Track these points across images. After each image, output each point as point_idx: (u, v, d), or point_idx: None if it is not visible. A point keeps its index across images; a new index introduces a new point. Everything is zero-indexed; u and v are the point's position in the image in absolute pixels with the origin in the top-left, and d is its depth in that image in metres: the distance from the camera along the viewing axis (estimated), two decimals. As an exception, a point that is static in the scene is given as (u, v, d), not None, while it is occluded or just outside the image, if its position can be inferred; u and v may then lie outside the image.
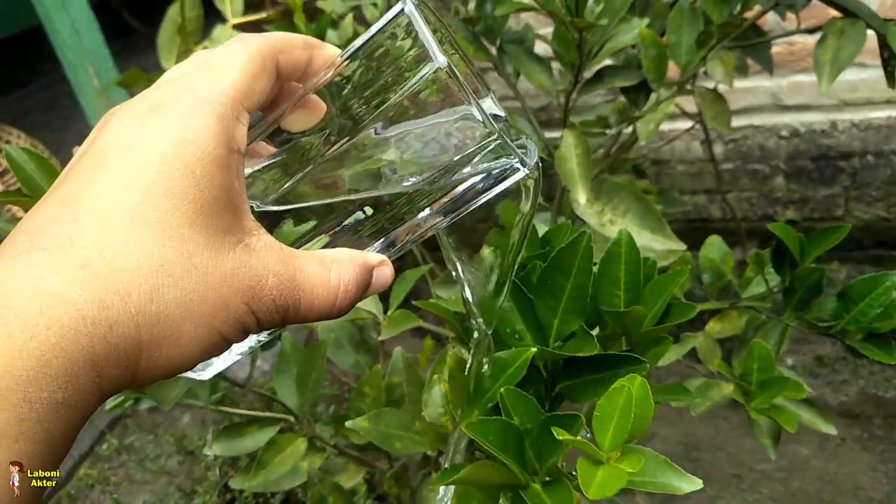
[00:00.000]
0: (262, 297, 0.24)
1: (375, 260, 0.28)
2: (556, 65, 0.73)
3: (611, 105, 0.82)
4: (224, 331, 0.23)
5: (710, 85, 0.87)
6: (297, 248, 0.27)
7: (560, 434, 0.30)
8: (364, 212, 0.29)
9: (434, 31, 0.25)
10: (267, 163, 0.29)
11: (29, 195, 0.41)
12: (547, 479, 0.34)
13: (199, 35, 0.89)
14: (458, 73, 0.24)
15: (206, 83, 0.24)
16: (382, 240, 0.30)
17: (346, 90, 0.27)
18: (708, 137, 1.34)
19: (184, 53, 0.89)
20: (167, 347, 0.22)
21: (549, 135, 0.78)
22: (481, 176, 0.28)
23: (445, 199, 0.29)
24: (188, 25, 0.86)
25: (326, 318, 0.26)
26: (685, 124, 1.39)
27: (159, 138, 0.22)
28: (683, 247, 0.65)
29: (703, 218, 1.61)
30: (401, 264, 0.35)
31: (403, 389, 0.58)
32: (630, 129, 0.80)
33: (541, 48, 0.82)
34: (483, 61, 0.73)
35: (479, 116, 0.25)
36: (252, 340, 0.32)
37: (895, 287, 0.56)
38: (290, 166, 0.28)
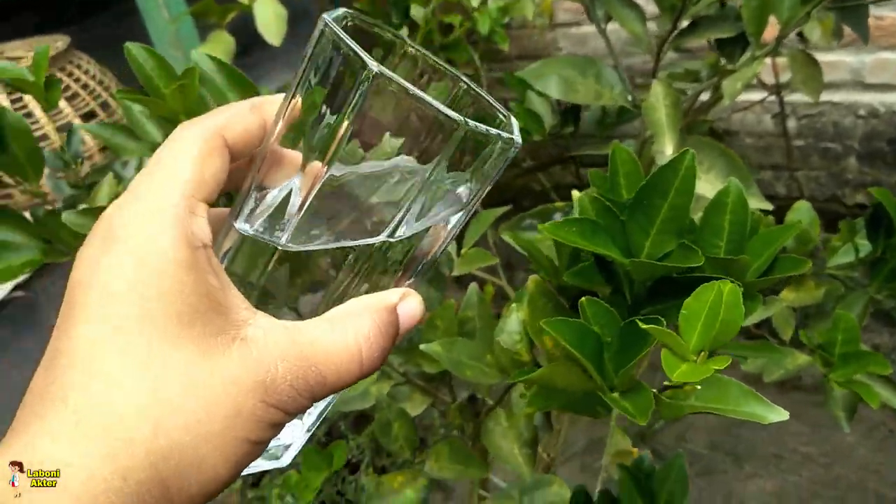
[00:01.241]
0: (277, 388, 0.22)
1: (396, 297, 0.25)
2: (649, 13, 0.70)
3: (699, 61, 0.80)
4: (249, 436, 0.22)
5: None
6: (328, 300, 0.26)
7: (647, 322, 0.29)
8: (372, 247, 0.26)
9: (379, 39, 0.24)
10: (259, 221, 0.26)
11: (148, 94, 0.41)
12: (625, 390, 0.33)
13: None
14: (395, 76, 0.22)
15: (151, 190, 0.23)
16: (398, 275, 0.27)
17: (306, 132, 0.25)
18: (783, 111, 1.30)
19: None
20: (194, 476, 0.21)
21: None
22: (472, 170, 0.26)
23: (448, 209, 0.26)
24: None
25: (360, 379, 0.24)
26: (759, 96, 1.34)
27: (119, 265, 0.21)
28: (769, 206, 0.63)
29: (770, 195, 1.56)
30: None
31: (475, 324, 0.58)
32: (708, 93, 0.77)
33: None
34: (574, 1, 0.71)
35: (449, 114, 0.23)
36: (312, 414, 0.31)
37: None
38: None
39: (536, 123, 0.82)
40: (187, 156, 0.24)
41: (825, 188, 1.54)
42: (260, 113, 0.26)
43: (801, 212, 0.63)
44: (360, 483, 1.17)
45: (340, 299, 0.26)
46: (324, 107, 0.24)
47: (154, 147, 0.56)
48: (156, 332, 0.21)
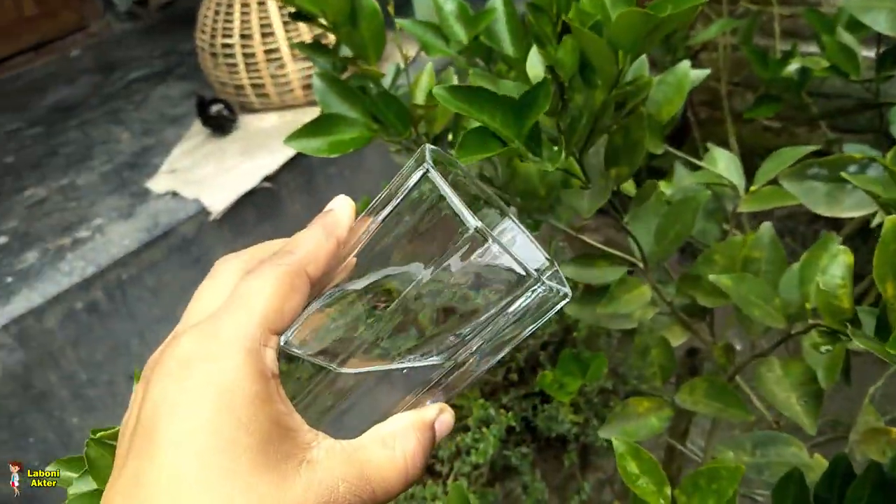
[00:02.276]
0: None
1: (433, 413, 0.29)
2: None
3: None
4: None
5: None
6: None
7: None
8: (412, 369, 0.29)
9: (456, 186, 0.25)
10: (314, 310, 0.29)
11: None
12: None
13: None
14: (490, 233, 0.25)
15: (230, 323, 0.25)
16: (434, 391, 0.30)
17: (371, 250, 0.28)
18: None
19: None
20: None
21: None
22: (524, 315, 0.28)
23: (493, 343, 0.29)
24: None
25: (402, 492, 0.27)
26: None
27: (197, 397, 0.23)
28: None
29: None
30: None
31: (761, 266, 0.55)
32: None
33: None
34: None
35: (519, 268, 0.25)
36: None
37: None
38: (340, 326, 0.28)
39: (851, 62, 0.73)
40: (266, 290, 0.26)
41: None
42: (335, 238, 0.28)
43: None
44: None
45: (381, 404, 0.29)
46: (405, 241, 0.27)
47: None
48: (233, 464, 0.23)
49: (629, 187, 0.66)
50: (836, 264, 0.42)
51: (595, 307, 0.56)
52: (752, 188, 0.61)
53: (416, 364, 0.29)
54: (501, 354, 0.30)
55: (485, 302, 0.27)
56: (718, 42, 1.18)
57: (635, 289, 0.55)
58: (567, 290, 0.28)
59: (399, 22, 0.66)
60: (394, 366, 0.29)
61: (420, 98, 0.60)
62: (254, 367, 0.24)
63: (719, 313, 0.67)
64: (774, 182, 0.61)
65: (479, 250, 0.25)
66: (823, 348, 0.44)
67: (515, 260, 0.26)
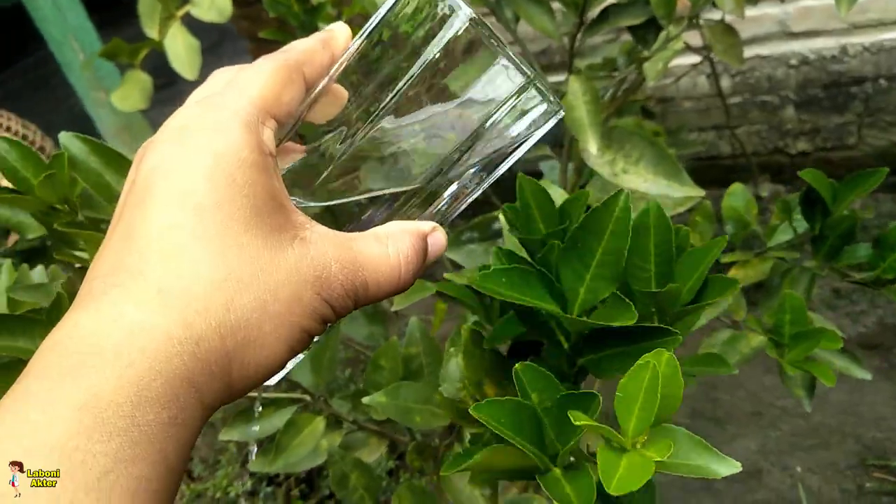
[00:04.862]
0: (331, 284, 0.25)
1: (427, 227, 0.28)
2: (557, 5, 0.68)
3: (617, 45, 0.78)
4: (304, 325, 0.24)
5: (717, 17, 0.82)
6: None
7: (578, 418, 0.28)
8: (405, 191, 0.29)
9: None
10: (294, 164, 0.29)
11: (16, 190, 0.38)
12: (571, 459, 0.32)
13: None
14: (483, 24, 0.24)
15: (230, 97, 0.25)
16: (428, 209, 0.30)
17: (363, 70, 0.27)
18: (714, 71, 1.30)
19: (166, 19, 0.85)
20: (254, 352, 0.23)
21: (551, 79, 0.74)
22: (516, 128, 0.28)
23: (484, 159, 0.29)
24: (167, -11, 0.81)
25: (394, 293, 0.27)
26: (690, 59, 1.33)
27: (195, 157, 0.23)
28: (701, 193, 0.62)
29: (713, 155, 1.57)
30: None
31: (421, 360, 0.56)
32: (636, 70, 0.76)
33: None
34: (479, 6, 0.69)
35: (511, 64, 0.25)
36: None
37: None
38: (319, 165, 0.28)
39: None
40: (266, 76, 0.26)
41: (767, 141, 1.55)
42: (330, 49, 0.28)
43: (736, 195, 0.62)
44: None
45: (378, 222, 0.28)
46: (392, 51, 0.26)
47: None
48: (229, 220, 0.23)
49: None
50: (451, 369, 0.43)
51: (271, 462, 0.53)
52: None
53: (407, 188, 0.28)
54: (495, 174, 0.29)
55: (473, 111, 0.26)
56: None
57: (307, 426, 0.53)
58: (561, 106, 0.27)
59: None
60: (388, 190, 0.28)
61: None
62: (252, 138, 0.24)
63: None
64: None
65: (472, 46, 0.24)
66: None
67: (509, 56, 0.24)
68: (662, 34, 0.69)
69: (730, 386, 1.35)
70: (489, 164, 0.29)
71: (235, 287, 0.22)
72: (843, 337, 0.50)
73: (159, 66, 0.87)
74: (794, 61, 1.44)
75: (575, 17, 0.62)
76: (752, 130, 1.54)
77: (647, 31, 0.67)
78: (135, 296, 0.22)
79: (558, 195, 0.64)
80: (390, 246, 0.27)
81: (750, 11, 1.36)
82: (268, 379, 0.24)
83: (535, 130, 0.28)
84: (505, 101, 0.26)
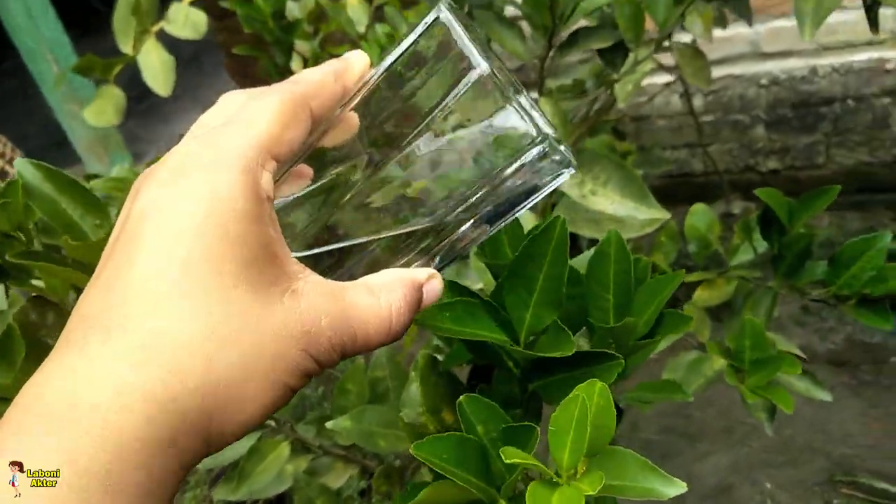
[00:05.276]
0: (319, 340, 0.24)
1: (424, 276, 0.28)
2: (528, 27, 0.69)
3: (587, 66, 0.79)
4: (287, 381, 0.23)
5: (687, 39, 0.83)
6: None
7: (510, 455, 0.28)
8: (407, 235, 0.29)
9: (467, 32, 0.24)
10: (300, 194, 0.28)
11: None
12: (520, 487, 0.32)
13: (154, 15, 0.84)
14: (500, 77, 0.24)
15: (231, 136, 0.24)
16: (428, 255, 0.29)
17: (375, 106, 0.27)
18: (687, 91, 1.32)
19: (140, 34, 0.84)
20: (235, 411, 0.22)
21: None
22: (525, 181, 0.27)
23: (489, 209, 0.28)
24: (143, 5, 0.81)
25: (384, 344, 0.26)
26: (663, 78, 1.35)
27: (188, 203, 0.22)
28: (667, 215, 0.62)
29: (685, 173, 1.59)
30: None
31: (388, 384, 0.56)
32: (608, 91, 0.77)
33: (512, 11, 0.78)
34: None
35: (524, 123, 0.25)
36: None
37: (886, 248, 0.54)
38: (325, 201, 0.28)
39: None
40: (268, 113, 0.25)
41: (738, 159, 1.57)
42: (342, 82, 0.27)
43: (699, 215, 0.63)
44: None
45: (374, 268, 0.28)
46: (411, 86, 0.25)
47: None
48: (217, 275, 0.22)
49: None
50: (412, 394, 0.43)
51: (234, 489, 0.52)
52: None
53: (409, 229, 0.28)
54: (499, 223, 0.29)
55: (482, 161, 0.26)
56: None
57: (271, 451, 0.53)
58: (573, 161, 0.26)
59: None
60: (391, 232, 0.28)
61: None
62: (249, 183, 0.23)
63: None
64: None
65: (485, 97, 0.24)
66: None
67: (522, 109, 0.24)
68: (631, 56, 0.70)
69: (702, 402, 1.36)
70: (494, 216, 0.29)
71: (219, 345, 0.22)
72: (811, 354, 0.51)
73: (134, 78, 0.86)
74: (764, 81, 1.46)
75: (544, 40, 0.63)
76: (724, 149, 1.56)
77: (615, 55, 0.68)
78: (116, 350, 0.21)
79: (528, 220, 0.64)
80: (382, 298, 0.26)
81: (722, 32, 1.39)
82: (247, 434, 0.24)
83: (544, 185, 0.28)
84: (515, 153, 0.26)
